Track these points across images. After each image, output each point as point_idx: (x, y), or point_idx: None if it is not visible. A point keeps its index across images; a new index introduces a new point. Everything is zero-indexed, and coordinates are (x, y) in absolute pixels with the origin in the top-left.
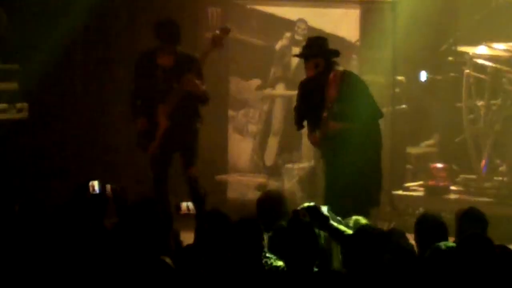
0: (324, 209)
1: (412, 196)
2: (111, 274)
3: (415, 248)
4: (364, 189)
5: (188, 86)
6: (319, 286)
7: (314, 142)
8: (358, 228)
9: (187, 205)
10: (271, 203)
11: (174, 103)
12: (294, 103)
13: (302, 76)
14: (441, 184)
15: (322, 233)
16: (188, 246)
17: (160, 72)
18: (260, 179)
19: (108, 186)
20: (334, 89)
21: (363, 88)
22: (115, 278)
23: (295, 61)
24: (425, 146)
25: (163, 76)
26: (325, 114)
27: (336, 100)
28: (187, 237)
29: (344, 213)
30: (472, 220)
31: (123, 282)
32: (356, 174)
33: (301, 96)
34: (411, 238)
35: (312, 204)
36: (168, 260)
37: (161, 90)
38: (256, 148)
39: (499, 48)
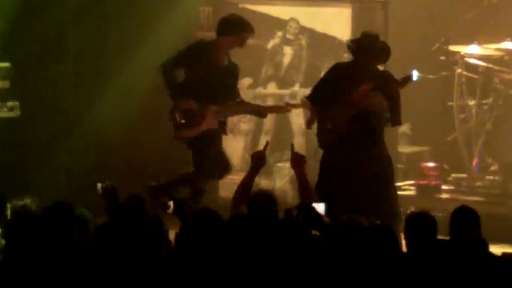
0: (321, 206)
1: (403, 195)
2: (100, 273)
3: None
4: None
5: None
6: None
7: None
8: (355, 228)
9: None
10: (262, 203)
11: (231, 114)
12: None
13: (294, 74)
14: (433, 183)
15: None
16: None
17: (213, 68)
18: None
19: (99, 184)
20: (369, 85)
21: (396, 90)
22: (105, 277)
23: (286, 60)
24: (416, 145)
25: (216, 74)
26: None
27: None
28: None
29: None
30: (465, 218)
31: (114, 280)
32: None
33: (333, 79)
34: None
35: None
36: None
37: (211, 87)
38: (247, 147)
39: (491, 47)
